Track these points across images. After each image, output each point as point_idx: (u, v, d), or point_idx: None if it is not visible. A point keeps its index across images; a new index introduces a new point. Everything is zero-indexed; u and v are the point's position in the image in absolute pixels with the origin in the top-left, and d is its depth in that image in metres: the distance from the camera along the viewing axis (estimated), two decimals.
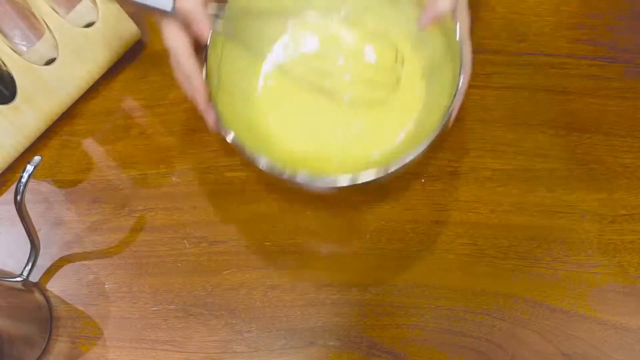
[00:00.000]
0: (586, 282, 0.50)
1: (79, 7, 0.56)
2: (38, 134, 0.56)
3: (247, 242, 0.53)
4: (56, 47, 0.55)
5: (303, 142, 0.51)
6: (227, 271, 0.52)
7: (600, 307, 0.49)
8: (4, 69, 0.53)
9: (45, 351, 0.51)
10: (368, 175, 0.43)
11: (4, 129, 0.53)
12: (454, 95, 0.44)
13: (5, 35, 0.53)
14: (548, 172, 0.53)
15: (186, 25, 0.45)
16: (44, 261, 0.53)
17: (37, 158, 0.47)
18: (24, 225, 0.49)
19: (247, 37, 0.50)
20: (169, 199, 0.55)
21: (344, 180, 0.43)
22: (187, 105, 0.56)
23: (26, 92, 0.54)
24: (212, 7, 0.45)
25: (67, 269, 0.53)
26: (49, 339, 0.51)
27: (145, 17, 0.60)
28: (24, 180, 0.46)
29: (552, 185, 0.52)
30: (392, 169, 0.43)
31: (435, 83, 0.50)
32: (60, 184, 0.56)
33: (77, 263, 0.54)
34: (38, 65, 0.54)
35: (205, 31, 0.45)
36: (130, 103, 0.58)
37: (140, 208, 0.54)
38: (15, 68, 0.53)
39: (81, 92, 0.57)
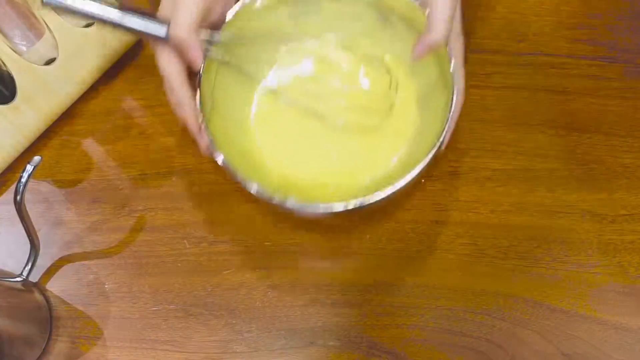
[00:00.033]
0: (586, 282, 0.50)
1: None
2: (38, 134, 0.56)
3: (247, 242, 0.53)
4: (56, 47, 0.55)
5: (297, 167, 0.51)
6: (227, 271, 0.52)
7: (600, 307, 0.49)
8: (4, 69, 0.53)
9: (45, 351, 0.51)
10: (358, 202, 0.44)
11: (3, 129, 0.53)
12: (447, 121, 0.44)
13: (5, 35, 0.53)
14: (548, 172, 0.53)
15: (180, 52, 0.45)
16: (44, 261, 0.53)
17: (36, 158, 0.46)
18: (23, 225, 0.49)
19: (241, 63, 0.50)
20: (169, 199, 0.54)
21: (337, 207, 0.44)
22: None
23: (26, 92, 0.54)
24: (206, 34, 0.46)
25: (67, 269, 0.53)
26: (49, 339, 0.51)
27: None
28: (23, 180, 0.46)
29: (552, 185, 0.52)
30: (384, 195, 0.43)
31: (429, 109, 0.50)
32: (60, 184, 0.56)
33: (77, 263, 0.53)
34: (38, 65, 0.54)
35: (198, 58, 0.45)
36: (130, 103, 0.58)
37: (140, 208, 0.54)
38: (15, 68, 0.53)
39: (81, 92, 0.57)
